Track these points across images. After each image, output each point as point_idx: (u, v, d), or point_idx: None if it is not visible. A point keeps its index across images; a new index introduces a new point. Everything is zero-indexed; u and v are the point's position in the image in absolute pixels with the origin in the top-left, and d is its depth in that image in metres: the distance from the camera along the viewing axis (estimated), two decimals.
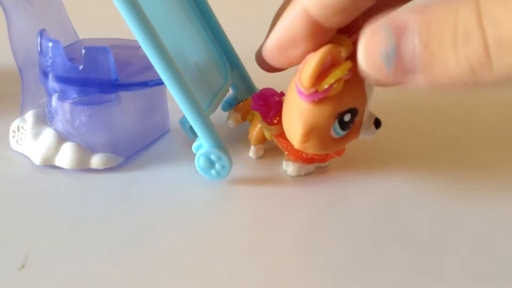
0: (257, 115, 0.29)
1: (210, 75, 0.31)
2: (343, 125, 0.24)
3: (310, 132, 0.24)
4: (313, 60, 0.22)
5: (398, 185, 0.28)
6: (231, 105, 0.35)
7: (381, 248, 0.24)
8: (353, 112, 0.24)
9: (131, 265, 0.23)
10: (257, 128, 0.30)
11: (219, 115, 0.33)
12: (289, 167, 0.29)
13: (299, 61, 0.23)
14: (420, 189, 0.28)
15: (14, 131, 0.31)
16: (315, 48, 0.22)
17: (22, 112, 0.32)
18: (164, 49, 0.25)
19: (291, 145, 0.27)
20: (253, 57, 0.26)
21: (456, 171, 0.30)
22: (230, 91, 0.34)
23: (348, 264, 0.23)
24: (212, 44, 0.32)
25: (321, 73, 0.22)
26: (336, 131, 0.24)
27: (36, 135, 0.30)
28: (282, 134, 0.28)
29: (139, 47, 0.27)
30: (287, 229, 0.25)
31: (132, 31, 0.25)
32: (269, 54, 0.24)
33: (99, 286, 0.22)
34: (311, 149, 0.25)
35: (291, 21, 0.23)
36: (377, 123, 0.25)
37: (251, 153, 0.31)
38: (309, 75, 0.22)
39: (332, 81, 0.22)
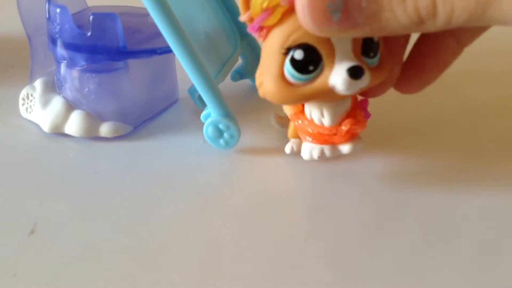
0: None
1: (219, 44, 0.31)
2: (297, 65, 0.21)
3: (263, 72, 0.22)
4: None
5: (406, 159, 0.28)
6: (240, 75, 0.34)
7: (388, 218, 0.24)
8: (306, 48, 0.21)
9: (138, 232, 0.23)
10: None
11: (228, 84, 0.33)
12: (303, 150, 0.26)
13: None
14: (428, 164, 0.28)
15: (23, 99, 0.31)
16: None
17: (31, 80, 0.31)
18: (173, 16, 0.25)
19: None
20: None
21: (466, 148, 0.30)
22: (240, 61, 0.34)
23: (357, 233, 0.23)
24: (221, 12, 0.32)
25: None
26: (290, 71, 0.21)
27: (45, 103, 0.30)
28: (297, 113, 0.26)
29: (147, 15, 0.27)
30: (295, 198, 0.25)
31: None
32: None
33: (107, 253, 0.22)
34: (269, 96, 0.22)
35: None
36: (353, 72, 0.20)
37: (288, 148, 0.27)
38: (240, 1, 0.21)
39: (257, 4, 0.20)
